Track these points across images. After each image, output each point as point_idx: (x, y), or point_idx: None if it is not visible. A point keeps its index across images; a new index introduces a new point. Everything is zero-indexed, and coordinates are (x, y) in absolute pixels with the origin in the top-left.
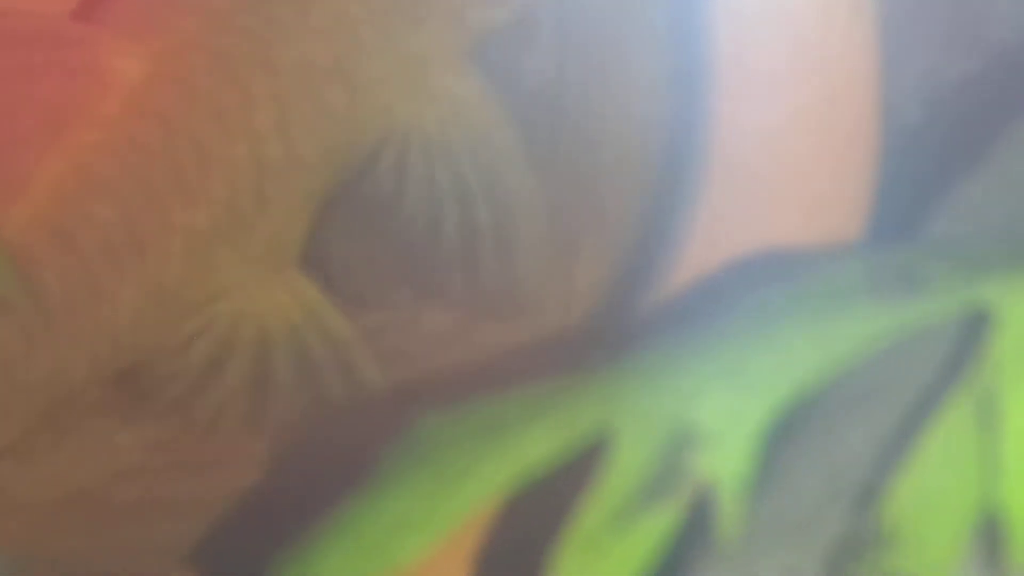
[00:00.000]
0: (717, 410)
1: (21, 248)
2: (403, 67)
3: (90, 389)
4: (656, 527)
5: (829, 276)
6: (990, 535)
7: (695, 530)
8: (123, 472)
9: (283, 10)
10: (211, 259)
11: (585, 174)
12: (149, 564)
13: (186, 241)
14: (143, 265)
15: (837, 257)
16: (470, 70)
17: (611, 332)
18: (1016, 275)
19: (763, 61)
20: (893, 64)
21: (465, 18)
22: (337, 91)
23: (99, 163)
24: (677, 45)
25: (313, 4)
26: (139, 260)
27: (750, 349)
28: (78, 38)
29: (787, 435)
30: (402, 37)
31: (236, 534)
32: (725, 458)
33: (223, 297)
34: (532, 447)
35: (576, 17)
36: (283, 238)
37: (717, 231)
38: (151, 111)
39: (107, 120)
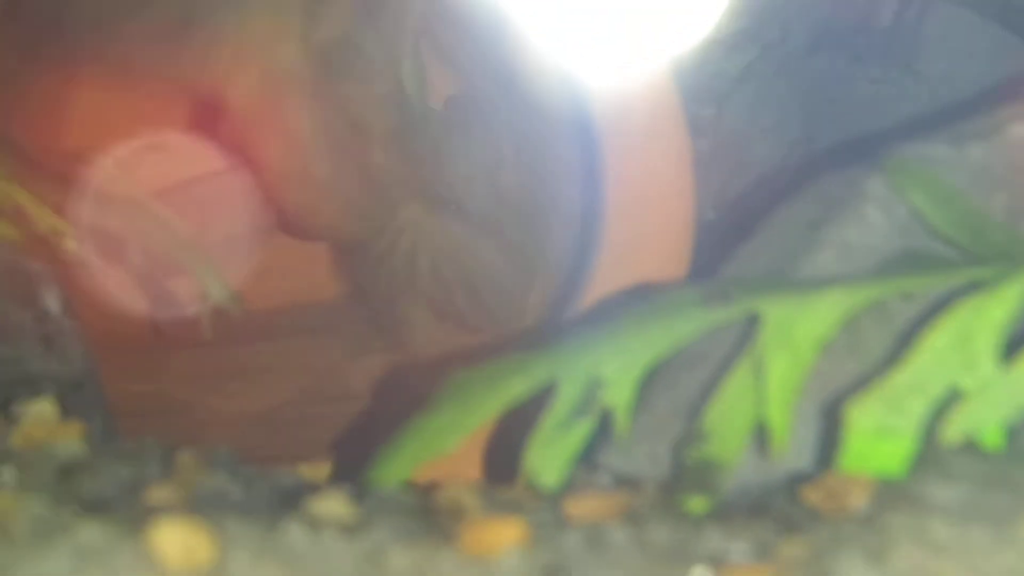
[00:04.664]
0: (614, 369)
1: None
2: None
3: None
4: (581, 431)
5: (671, 296)
6: (761, 435)
7: (602, 432)
8: None
9: None
10: None
11: (535, 239)
12: None
13: None
14: None
15: (675, 286)
16: None
17: (552, 330)
18: (773, 296)
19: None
20: (698, 183)
21: None
22: None
23: None
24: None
25: None
26: None
27: (629, 337)
28: None
29: (651, 381)
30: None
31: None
32: (619, 394)
33: None
34: (514, 388)
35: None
36: None
37: (607, 274)
38: None
39: None
